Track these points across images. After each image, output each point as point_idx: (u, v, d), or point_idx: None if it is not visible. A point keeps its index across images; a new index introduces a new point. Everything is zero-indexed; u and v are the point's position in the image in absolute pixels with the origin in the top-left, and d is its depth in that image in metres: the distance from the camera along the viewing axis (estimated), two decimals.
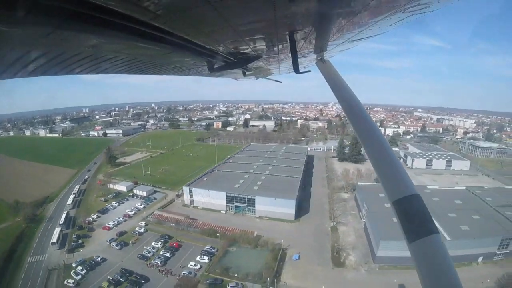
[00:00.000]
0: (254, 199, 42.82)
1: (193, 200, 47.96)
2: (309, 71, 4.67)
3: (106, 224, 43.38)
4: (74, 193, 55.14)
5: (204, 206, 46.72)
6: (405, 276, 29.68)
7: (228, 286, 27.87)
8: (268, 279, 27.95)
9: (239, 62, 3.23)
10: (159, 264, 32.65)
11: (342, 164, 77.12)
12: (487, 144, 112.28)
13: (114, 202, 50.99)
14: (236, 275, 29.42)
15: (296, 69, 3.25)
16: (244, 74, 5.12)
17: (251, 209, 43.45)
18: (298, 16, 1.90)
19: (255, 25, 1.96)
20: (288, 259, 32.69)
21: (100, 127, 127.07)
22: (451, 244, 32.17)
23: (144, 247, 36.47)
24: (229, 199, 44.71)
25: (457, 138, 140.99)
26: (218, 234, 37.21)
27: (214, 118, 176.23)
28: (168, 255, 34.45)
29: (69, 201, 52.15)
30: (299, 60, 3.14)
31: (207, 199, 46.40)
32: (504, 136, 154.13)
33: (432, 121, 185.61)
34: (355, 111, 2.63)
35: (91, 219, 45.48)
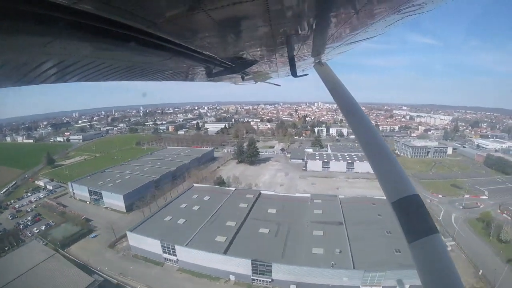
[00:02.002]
0: (101, 193, 65.32)
1: (74, 193, 72.02)
2: (307, 74, 4.99)
3: (14, 206, 69.64)
4: (8, 186, 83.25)
5: (79, 198, 70.29)
6: (146, 269, 40.39)
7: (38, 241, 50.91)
8: (59, 243, 48.71)
9: (237, 67, 3.52)
10: (21, 227, 56.77)
11: (236, 165, 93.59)
12: (421, 143, 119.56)
13: (29, 193, 76.86)
14: (49, 238, 51.65)
15: (294, 73, 3.49)
16: (242, 79, 5.58)
17: (102, 201, 65.94)
18: (294, 20, 2.05)
19: (252, 31, 2.14)
20: (88, 237, 51.98)
21: (69, 133, 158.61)
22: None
23: (23, 219, 61.48)
24: (90, 192, 67.68)
25: (411, 136, 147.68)
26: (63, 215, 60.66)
27: (181, 121, 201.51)
28: (29, 223, 58.67)
29: (2, 191, 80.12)
30: (297, 63, 3.43)
31: (80, 192, 69.78)
32: (473, 132, 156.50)
33: (404, 119, 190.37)
34: (353, 113, 2.88)
35: (9, 203, 72.22)
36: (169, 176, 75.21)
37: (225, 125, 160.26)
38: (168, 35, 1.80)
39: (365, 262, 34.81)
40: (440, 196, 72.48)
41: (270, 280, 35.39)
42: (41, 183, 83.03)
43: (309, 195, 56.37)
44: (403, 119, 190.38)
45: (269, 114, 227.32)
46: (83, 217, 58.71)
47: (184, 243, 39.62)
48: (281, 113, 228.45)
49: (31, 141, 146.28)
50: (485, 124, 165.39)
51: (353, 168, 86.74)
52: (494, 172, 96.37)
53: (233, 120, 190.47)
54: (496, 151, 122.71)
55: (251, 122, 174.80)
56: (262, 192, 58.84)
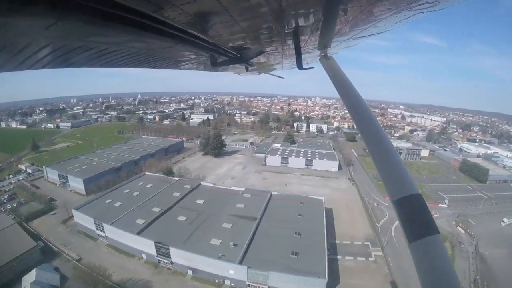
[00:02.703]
0: (67, 177, 77.01)
1: (48, 176, 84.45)
2: (313, 67, 5.19)
3: None
4: None
5: (52, 181, 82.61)
6: (82, 242, 50.79)
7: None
8: (23, 217, 61.53)
9: (243, 57, 3.65)
10: None
11: (200, 157, 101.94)
12: (394, 144, 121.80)
13: (11, 175, 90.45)
14: (16, 213, 63.55)
15: (300, 65, 3.60)
16: (247, 69, 5.92)
17: (68, 184, 77.72)
18: (303, 12, 2.12)
19: (260, 21, 2.22)
20: (49, 214, 63.61)
21: (60, 120, 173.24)
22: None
23: (0, 197, 74.51)
24: (59, 176, 79.64)
25: (393, 136, 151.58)
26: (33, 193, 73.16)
27: (172, 111, 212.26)
28: (5, 201, 71.20)
29: None
30: (302, 56, 3.48)
31: (52, 175, 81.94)
32: (461, 135, 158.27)
33: (395, 118, 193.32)
34: (358, 109, 2.96)
35: None
36: (131, 164, 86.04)
37: (207, 117, 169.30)
38: (175, 21, 1.85)
39: (255, 259, 38.07)
40: None
41: (170, 262, 42.00)
42: (23, 167, 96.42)
43: (242, 189, 63.02)
44: (394, 118, 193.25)
45: (262, 106, 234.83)
46: (48, 197, 70.58)
47: (110, 222, 49.47)
48: (273, 106, 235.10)
49: (24, 126, 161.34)
50: (477, 127, 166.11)
51: (312, 165, 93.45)
52: (467, 179, 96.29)
53: (222, 112, 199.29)
54: (478, 156, 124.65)
55: (237, 115, 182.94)
56: (202, 183, 67.19)
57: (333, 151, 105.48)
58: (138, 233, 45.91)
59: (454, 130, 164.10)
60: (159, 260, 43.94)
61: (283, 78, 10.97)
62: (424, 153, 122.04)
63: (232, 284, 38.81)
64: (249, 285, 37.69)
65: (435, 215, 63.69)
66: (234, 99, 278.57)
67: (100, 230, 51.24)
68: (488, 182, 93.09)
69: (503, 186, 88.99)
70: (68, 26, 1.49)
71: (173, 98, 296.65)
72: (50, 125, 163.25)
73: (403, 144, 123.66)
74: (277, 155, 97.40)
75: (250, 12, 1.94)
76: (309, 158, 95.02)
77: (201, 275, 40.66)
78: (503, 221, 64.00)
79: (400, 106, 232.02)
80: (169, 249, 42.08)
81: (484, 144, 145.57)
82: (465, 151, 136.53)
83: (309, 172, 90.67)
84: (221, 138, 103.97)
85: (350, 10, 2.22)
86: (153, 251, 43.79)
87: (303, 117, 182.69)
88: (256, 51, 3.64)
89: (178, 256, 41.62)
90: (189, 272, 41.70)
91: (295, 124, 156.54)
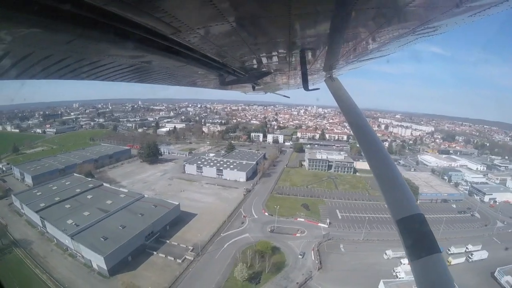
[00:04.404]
0: (25, 174, 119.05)
1: (14, 173, 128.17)
2: (318, 88, 6.24)
3: None
4: None
5: (16, 177, 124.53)
6: (13, 217, 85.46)
7: None
8: None
9: (250, 77, 4.44)
10: None
11: (136, 164, 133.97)
12: (323, 156, 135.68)
13: None
14: None
15: (306, 87, 4.33)
16: (253, 88, 7.19)
17: (25, 180, 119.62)
18: (311, 36, 2.57)
19: (269, 43, 2.71)
20: (3, 199, 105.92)
21: (49, 125, 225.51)
22: None
23: None
24: (20, 173, 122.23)
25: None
26: None
27: (156, 119, 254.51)
28: None
29: None
30: (308, 77, 4.13)
31: (16, 173, 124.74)
32: (434, 147, 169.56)
33: (378, 128, 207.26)
34: (361, 129, 3.61)
35: None
36: (73, 167, 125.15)
37: (174, 126, 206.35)
38: (189, 42, 2.29)
39: (83, 236, 62.21)
40: (267, 214, 79.02)
41: (47, 231, 70.36)
42: (0, 166, 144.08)
43: (126, 190, 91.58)
44: (377, 128, 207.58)
45: (248, 116, 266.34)
46: (7, 188, 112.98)
47: (26, 203, 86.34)
48: (259, 115, 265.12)
49: (17, 130, 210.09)
50: (462, 138, 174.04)
51: (222, 175, 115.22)
52: None
53: (197, 121, 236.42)
54: (432, 170, 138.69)
55: (207, 124, 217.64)
56: (104, 184, 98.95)
57: (253, 162, 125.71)
58: (36, 212, 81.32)
59: (432, 140, 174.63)
60: (43, 230, 77.22)
61: (288, 97, 13.71)
62: (364, 165, 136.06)
63: (70, 252, 63.96)
64: (76, 253, 62.36)
65: (299, 234, 68.23)
66: (228, 108, 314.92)
67: (23, 209, 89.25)
68: (418, 202, 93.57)
69: (435, 207, 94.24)
70: (87, 42, 1.91)
71: (170, 106, 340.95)
72: (38, 130, 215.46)
73: (334, 157, 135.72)
74: (194, 165, 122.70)
75: (260, 36, 2.46)
76: (220, 168, 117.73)
77: (59, 243, 66.83)
78: (386, 254, 60.96)
79: (397, 115, 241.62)
80: (44, 222, 75.21)
81: (453, 156, 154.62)
82: (424, 164, 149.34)
83: (216, 181, 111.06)
84: (156, 146, 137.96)
85: (355, 35, 2.77)
86: (40, 224, 77.83)
87: (275, 127, 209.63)
88: (263, 72, 4.51)
89: (50, 228, 69.57)
90: (55, 240, 68.61)
91: (252, 134, 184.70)
